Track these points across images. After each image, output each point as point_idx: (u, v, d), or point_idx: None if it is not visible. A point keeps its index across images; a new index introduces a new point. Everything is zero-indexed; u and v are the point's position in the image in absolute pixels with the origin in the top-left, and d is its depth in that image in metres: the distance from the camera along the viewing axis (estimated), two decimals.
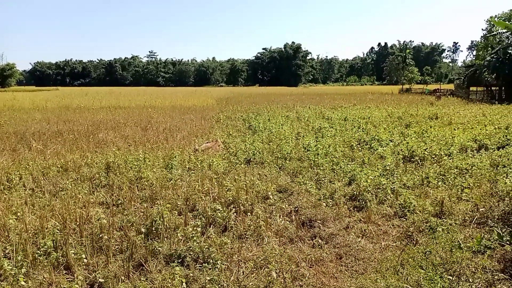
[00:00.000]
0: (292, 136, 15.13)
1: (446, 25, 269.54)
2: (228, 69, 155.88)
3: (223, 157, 11.48)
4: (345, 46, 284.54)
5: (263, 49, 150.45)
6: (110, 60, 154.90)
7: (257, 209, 6.93)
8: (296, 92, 64.54)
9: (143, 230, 6.04)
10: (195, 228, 5.92)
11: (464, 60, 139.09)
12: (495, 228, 5.84)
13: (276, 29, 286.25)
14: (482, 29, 57.81)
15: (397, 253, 5.40)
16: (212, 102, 37.98)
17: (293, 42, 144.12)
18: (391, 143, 13.37)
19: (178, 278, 4.57)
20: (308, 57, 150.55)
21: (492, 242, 5.46)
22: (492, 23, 44.49)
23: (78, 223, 6.25)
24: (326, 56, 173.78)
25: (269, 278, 4.74)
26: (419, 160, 10.62)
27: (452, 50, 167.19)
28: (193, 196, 7.63)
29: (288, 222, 6.62)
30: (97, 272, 4.95)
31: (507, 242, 5.29)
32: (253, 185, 8.43)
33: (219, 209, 6.76)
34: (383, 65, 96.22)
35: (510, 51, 39.78)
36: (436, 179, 8.72)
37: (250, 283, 4.69)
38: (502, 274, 4.69)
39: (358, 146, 12.97)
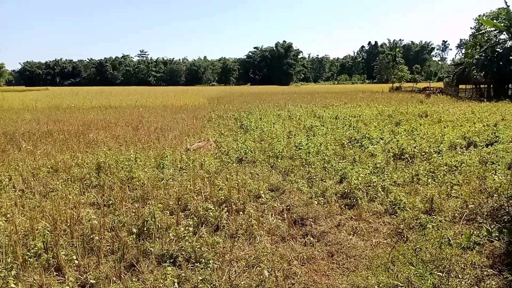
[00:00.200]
0: (283, 135, 15.16)
1: (435, 23, 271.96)
2: (220, 68, 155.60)
3: (215, 156, 11.47)
4: (336, 45, 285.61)
5: (255, 48, 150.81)
6: (101, 59, 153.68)
7: (249, 208, 6.94)
8: (287, 91, 64.62)
9: (134, 230, 6.01)
10: (187, 227, 5.91)
11: (453, 58, 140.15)
12: (484, 225, 5.92)
13: (267, 28, 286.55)
14: (471, 28, 58.25)
15: (388, 250, 5.45)
16: (203, 101, 37.90)
17: (284, 41, 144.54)
18: (381, 141, 13.48)
19: (170, 278, 4.56)
20: (299, 56, 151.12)
21: (481, 238, 5.54)
22: (480, 21, 44.90)
23: (68, 224, 6.21)
24: (317, 55, 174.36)
25: (261, 277, 4.75)
26: (409, 158, 10.72)
27: (441, 49, 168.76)
28: (185, 196, 7.62)
29: (280, 221, 6.64)
30: (88, 273, 4.92)
31: (496, 238, 5.36)
32: (245, 184, 8.44)
33: (211, 209, 6.76)
34: (374, 64, 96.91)
35: (498, 49, 40.25)
36: (426, 176, 8.81)
37: (242, 282, 4.70)
38: (491, 270, 4.76)
39: (349, 144, 13.04)
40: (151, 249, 5.48)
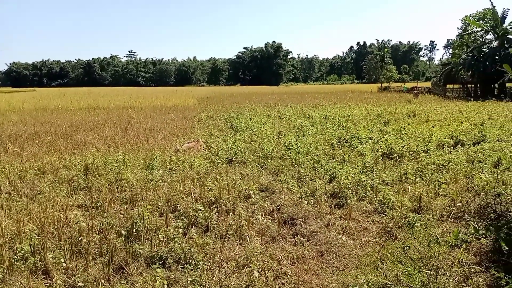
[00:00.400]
0: (273, 135, 15.19)
1: (423, 24, 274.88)
2: (210, 69, 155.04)
3: (205, 157, 11.44)
4: (325, 45, 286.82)
5: (244, 48, 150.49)
6: (89, 60, 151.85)
7: (239, 209, 6.93)
8: (277, 91, 64.72)
9: (123, 232, 5.96)
10: (176, 229, 5.88)
11: (440, 58, 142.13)
12: (472, 222, 5.99)
13: (257, 29, 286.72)
14: (458, 28, 59.14)
15: (377, 249, 5.48)
16: (193, 102, 37.75)
17: (274, 42, 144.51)
18: (370, 140, 13.58)
19: (160, 280, 4.53)
20: (289, 56, 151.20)
21: (468, 236, 5.61)
22: (467, 22, 45.51)
23: (56, 227, 6.13)
24: (307, 55, 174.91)
25: (251, 277, 4.75)
26: (397, 157, 10.82)
27: (429, 49, 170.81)
28: (174, 197, 7.58)
29: (270, 221, 6.65)
30: (76, 276, 4.86)
31: (483, 236, 5.44)
32: (235, 184, 8.43)
33: (201, 209, 6.73)
34: (362, 64, 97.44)
35: (484, 50, 40.86)
36: (414, 175, 8.90)
37: (232, 283, 4.69)
38: (478, 267, 4.83)
39: (339, 144, 13.11)
40: (140, 251, 5.43)
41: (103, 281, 4.80)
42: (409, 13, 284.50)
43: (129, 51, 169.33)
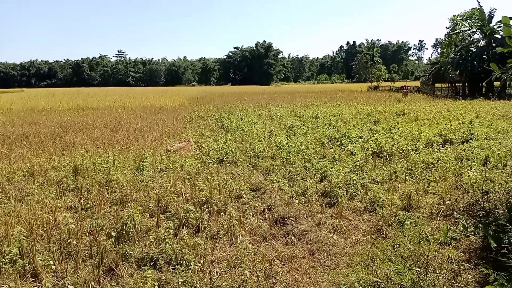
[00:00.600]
0: (264, 135, 15.20)
1: (412, 23, 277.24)
2: (200, 68, 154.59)
3: (196, 157, 11.40)
4: (315, 45, 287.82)
5: (235, 48, 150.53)
6: (78, 60, 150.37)
7: (231, 209, 6.92)
8: (268, 91, 64.77)
9: (113, 234, 5.91)
10: (167, 230, 5.85)
11: (429, 57, 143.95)
12: (461, 220, 6.06)
13: (247, 28, 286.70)
14: (446, 27, 59.90)
15: (368, 247, 5.52)
16: (184, 102, 37.60)
17: (264, 41, 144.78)
18: (360, 139, 13.66)
19: (150, 281, 4.50)
20: (279, 56, 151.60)
21: (457, 233, 5.67)
22: (455, 21, 46.03)
23: (45, 229, 6.06)
24: (297, 55, 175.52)
25: (243, 277, 4.74)
26: (387, 156, 10.90)
27: (417, 48, 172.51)
28: (165, 198, 7.54)
29: (261, 221, 6.65)
30: (66, 278, 4.81)
31: (472, 233, 5.50)
32: (226, 184, 8.42)
33: (192, 210, 6.70)
34: (352, 63, 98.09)
35: (472, 49, 41.37)
36: (404, 173, 8.98)
37: (224, 284, 4.68)
38: (467, 264, 4.88)
39: (329, 143, 13.17)
40: (130, 252, 5.39)
41: (93, 283, 4.75)
42: (398, 13, 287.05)
43: (118, 51, 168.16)
